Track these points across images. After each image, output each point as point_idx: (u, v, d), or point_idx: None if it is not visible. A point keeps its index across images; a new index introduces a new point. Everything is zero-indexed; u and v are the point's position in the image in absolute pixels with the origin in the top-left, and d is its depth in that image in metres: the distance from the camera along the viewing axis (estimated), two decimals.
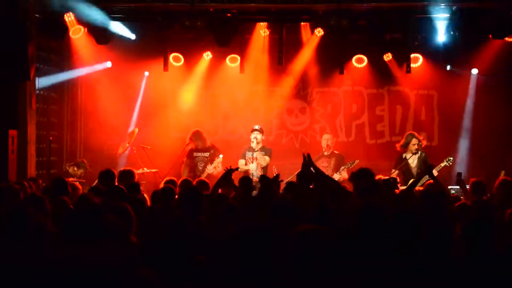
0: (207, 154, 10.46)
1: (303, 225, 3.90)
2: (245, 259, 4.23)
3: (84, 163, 10.64)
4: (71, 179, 9.50)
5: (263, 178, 7.66)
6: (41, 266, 3.82)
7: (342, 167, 10.00)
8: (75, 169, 10.51)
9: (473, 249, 4.14)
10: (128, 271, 3.72)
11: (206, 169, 10.13)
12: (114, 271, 3.79)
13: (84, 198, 6.24)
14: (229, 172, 7.32)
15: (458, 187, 8.27)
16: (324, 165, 10.31)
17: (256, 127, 10.32)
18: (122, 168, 8.17)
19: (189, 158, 10.51)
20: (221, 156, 10.12)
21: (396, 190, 7.12)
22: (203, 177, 9.76)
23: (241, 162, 10.24)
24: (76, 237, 4.59)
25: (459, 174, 7.74)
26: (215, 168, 9.99)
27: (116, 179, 7.38)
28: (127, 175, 7.64)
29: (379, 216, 4.36)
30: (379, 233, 4.31)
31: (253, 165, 10.08)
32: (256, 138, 10.15)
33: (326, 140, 10.48)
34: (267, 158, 10.15)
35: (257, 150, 10.13)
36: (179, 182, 7.49)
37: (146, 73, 12.00)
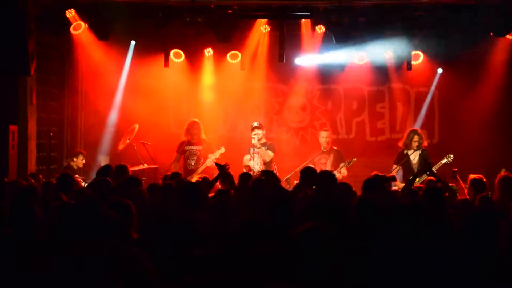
0: (199, 148, 10.31)
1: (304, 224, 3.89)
2: (246, 254, 4.24)
3: (80, 152, 10.67)
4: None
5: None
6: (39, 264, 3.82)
7: (341, 165, 9.98)
8: (75, 159, 10.50)
9: (474, 245, 4.14)
10: (128, 266, 3.72)
11: (205, 162, 10.02)
12: (114, 267, 3.80)
13: (82, 193, 6.23)
14: (221, 168, 7.44)
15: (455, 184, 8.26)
16: (322, 161, 10.30)
17: (255, 124, 10.25)
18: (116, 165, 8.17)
19: (179, 152, 10.37)
20: (222, 148, 10.05)
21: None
22: (200, 170, 9.75)
23: (246, 158, 10.25)
24: (75, 233, 4.60)
25: (454, 171, 7.73)
26: (213, 161, 9.90)
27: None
28: (121, 171, 7.67)
29: (375, 210, 4.37)
30: (375, 227, 4.32)
31: (254, 161, 10.07)
32: (257, 135, 10.12)
33: (324, 138, 10.44)
34: (270, 153, 10.07)
35: (259, 147, 10.10)
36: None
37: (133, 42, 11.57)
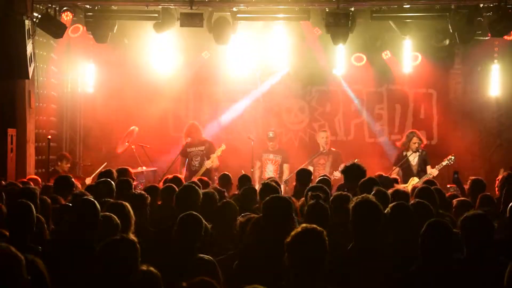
0: (202, 148, 10.43)
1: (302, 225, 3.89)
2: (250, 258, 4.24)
3: (63, 155, 10.65)
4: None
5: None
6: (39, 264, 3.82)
7: (342, 165, 9.99)
8: (59, 163, 10.48)
9: (473, 245, 4.14)
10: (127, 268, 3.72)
11: (204, 163, 10.12)
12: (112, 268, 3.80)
13: (79, 195, 6.22)
14: None
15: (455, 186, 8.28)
16: (321, 162, 10.35)
17: (271, 134, 10.64)
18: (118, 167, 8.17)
19: (183, 155, 10.46)
20: (223, 145, 10.16)
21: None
22: (201, 172, 9.79)
23: (257, 165, 10.49)
24: (72, 234, 4.61)
25: (456, 172, 7.75)
26: (212, 162, 10.00)
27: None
28: (124, 173, 7.68)
29: (375, 210, 4.38)
30: (374, 227, 4.32)
31: (267, 172, 10.36)
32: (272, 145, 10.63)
33: (323, 138, 10.49)
34: (286, 170, 10.51)
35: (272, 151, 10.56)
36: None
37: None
